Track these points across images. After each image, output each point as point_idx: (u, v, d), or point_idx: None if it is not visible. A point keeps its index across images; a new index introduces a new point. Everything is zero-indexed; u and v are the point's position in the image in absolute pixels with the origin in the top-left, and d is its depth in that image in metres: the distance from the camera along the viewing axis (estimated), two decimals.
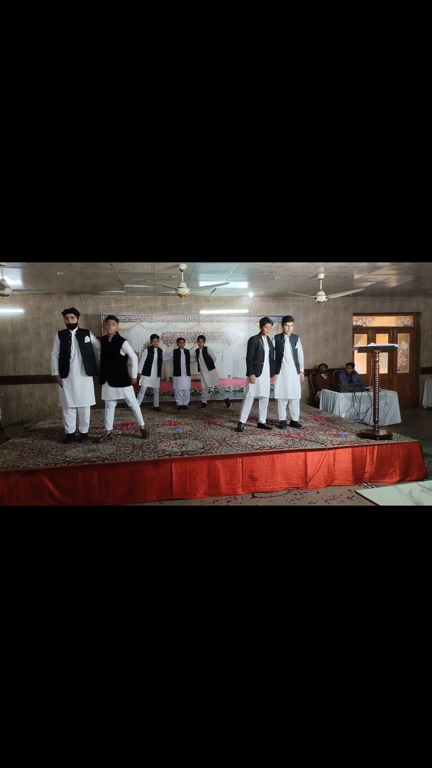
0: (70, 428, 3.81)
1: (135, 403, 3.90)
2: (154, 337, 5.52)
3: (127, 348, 3.72)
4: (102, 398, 3.70)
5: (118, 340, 3.73)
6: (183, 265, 4.74)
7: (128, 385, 3.75)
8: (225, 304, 7.01)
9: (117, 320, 3.80)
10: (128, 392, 3.76)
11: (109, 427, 3.92)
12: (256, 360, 4.02)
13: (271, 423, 4.35)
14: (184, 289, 4.79)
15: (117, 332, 3.75)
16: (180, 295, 4.81)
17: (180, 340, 5.74)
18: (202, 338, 5.78)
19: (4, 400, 6.31)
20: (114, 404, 3.84)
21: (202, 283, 5.92)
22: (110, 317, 3.76)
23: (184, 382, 5.72)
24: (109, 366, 3.68)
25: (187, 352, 5.71)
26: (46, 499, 3.04)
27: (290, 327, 4.13)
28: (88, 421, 3.88)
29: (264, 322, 4.08)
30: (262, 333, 4.09)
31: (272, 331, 4.26)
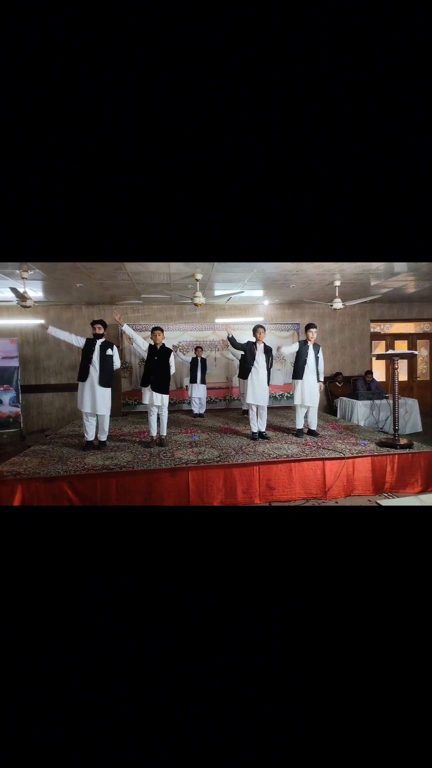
0: (90, 435, 3.88)
1: (166, 412, 4.00)
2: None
3: (171, 360, 3.89)
4: (144, 402, 3.83)
5: (167, 350, 3.90)
6: (198, 275, 4.80)
7: (168, 392, 3.91)
8: (240, 312, 7.04)
9: (162, 330, 4.00)
10: (166, 399, 3.90)
11: (154, 432, 3.99)
12: (246, 363, 4.07)
13: (287, 431, 4.31)
14: (200, 299, 4.84)
15: (164, 342, 3.94)
16: (196, 305, 4.86)
17: (198, 349, 5.82)
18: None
19: (26, 408, 6.47)
20: (156, 410, 3.93)
21: (217, 292, 5.97)
22: (156, 328, 3.95)
23: (200, 390, 5.76)
24: (156, 372, 3.83)
25: (203, 360, 5.76)
26: (66, 505, 3.09)
27: (314, 334, 4.14)
28: (107, 428, 3.96)
29: (256, 327, 4.15)
30: (257, 339, 4.10)
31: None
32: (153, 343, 3.93)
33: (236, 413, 6.13)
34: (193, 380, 5.72)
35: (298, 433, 4.21)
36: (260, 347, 4.10)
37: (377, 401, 5.43)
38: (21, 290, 4.46)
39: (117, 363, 3.88)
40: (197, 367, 5.69)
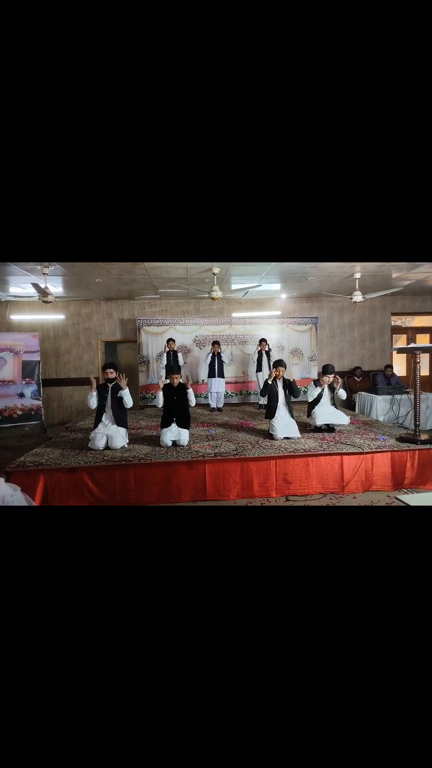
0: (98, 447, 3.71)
1: (187, 440, 3.87)
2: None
3: (191, 394, 3.84)
4: (165, 443, 3.70)
5: (183, 387, 3.86)
6: (216, 269, 4.79)
7: (189, 426, 3.90)
8: (257, 306, 6.99)
9: (179, 372, 3.99)
10: (186, 434, 3.82)
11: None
12: (271, 403, 4.05)
13: (305, 426, 4.28)
14: (217, 293, 4.84)
15: (180, 382, 3.91)
16: (213, 299, 4.86)
17: (215, 344, 5.81)
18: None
19: (47, 401, 6.65)
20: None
21: (234, 286, 5.95)
22: (170, 372, 3.90)
23: (219, 384, 5.78)
24: (177, 410, 3.81)
25: (220, 354, 5.76)
26: (86, 496, 3.17)
27: (329, 378, 4.16)
28: (117, 447, 3.76)
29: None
30: (276, 376, 4.06)
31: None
32: (169, 384, 3.88)
33: (252, 407, 6.13)
34: (211, 374, 5.73)
35: (316, 428, 4.18)
36: (279, 384, 4.07)
37: (397, 396, 5.32)
38: (42, 286, 4.56)
39: (129, 402, 3.78)
40: (215, 361, 5.70)
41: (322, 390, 4.16)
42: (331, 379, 4.19)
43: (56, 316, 6.64)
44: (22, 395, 6.03)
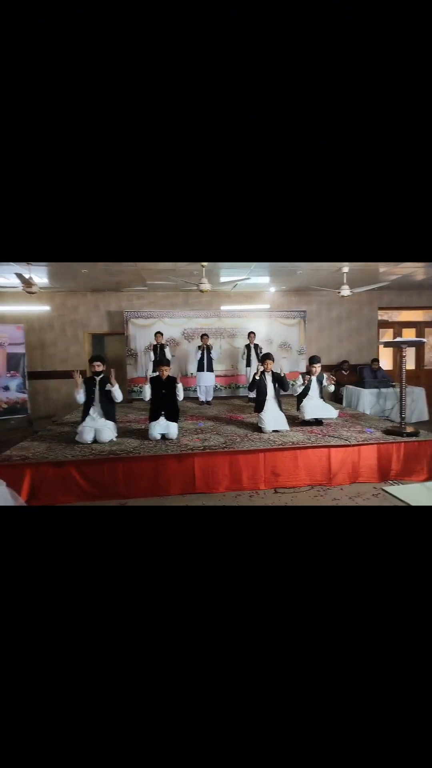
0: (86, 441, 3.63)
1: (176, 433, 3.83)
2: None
3: (179, 389, 3.83)
4: (154, 436, 3.66)
5: (172, 380, 3.84)
6: (204, 261, 4.75)
7: (178, 420, 3.88)
8: (246, 299, 6.98)
9: (169, 364, 4.01)
10: (175, 427, 3.78)
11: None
12: (259, 397, 4.09)
13: (294, 419, 4.31)
14: (206, 285, 4.80)
15: (168, 374, 3.88)
16: (202, 291, 4.82)
17: (203, 336, 5.78)
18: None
19: (33, 394, 6.52)
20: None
21: (223, 279, 5.92)
22: (160, 363, 3.92)
23: (208, 378, 5.76)
24: (166, 404, 3.79)
25: (209, 348, 5.74)
26: (74, 490, 3.13)
27: (317, 368, 4.21)
28: (106, 440, 3.67)
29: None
30: (264, 369, 4.10)
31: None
32: (157, 376, 3.87)
33: (242, 401, 6.14)
34: (200, 368, 5.71)
35: (303, 421, 4.22)
36: (269, 377, 4.08)
37: (384, 389, 5.40)
38: (26, 276, 4.44)
39: (119, 397, 3.73)
40: (204, 355, 5.67)
41: (310, 382, 4.19)
42: (319, 369, 4.22)
43: (41, 308, 6.48)
44: (7, 388, 5.90)
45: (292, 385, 4.30)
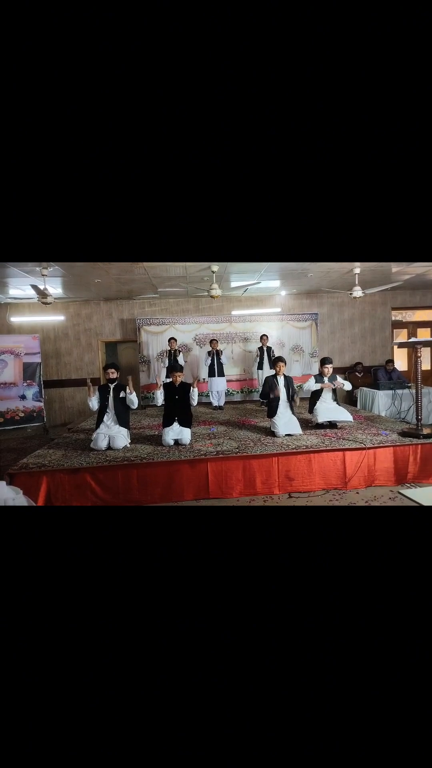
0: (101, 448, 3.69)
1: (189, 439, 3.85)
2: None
3: (194, 394, 3.85)
4: (167, 441, 3.68)
5: (186, 386, 3.86)
6: (215, 267, 4.78)
7: (191, 425, 3.90)
8: (257, 303, 6.98)
9: (181, 371, 4.03)
10: (189, 433, 3.80)
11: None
12: (272, 402, 4.05)
13: (307, 423, 4.27)
14: (217, 291, 4.83)
15: (181, 381, 3.90)
16: (212, 297, 4.85)
17: (213, 342, 5.80)
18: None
19: (48, 402, 6.65)
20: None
21: (233, 284, 5.94)
22: (173, 369, 3.92)
23: (219, 383, 5.77)
24: (177, 410, 3.80)
25: (218, 352, 5.74)
26: (89, 496, 3.17)
27: (328, 369, 4.17)
28: (120, 447, 3.72)
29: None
30: (276, 372, 4.08)
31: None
32: (171, 382, 3.87)
33: (254, 405, 6.12)
34: (211, 374, 5.73)
35: (317, 424, 4.17)
36: (281, 381, 4.05)
37: (399, 391, 5.30)
38: (41, 287, 4.56)
39: (135, 403, 3.77)
40: (214, 361, 5.69)
41: (323, 384, 4.14)
42: (331, 371, 4.17)
43: (56, 318, 6.63)
44: (23, 397, 6.04)
45: (300, 387, 4.26)
